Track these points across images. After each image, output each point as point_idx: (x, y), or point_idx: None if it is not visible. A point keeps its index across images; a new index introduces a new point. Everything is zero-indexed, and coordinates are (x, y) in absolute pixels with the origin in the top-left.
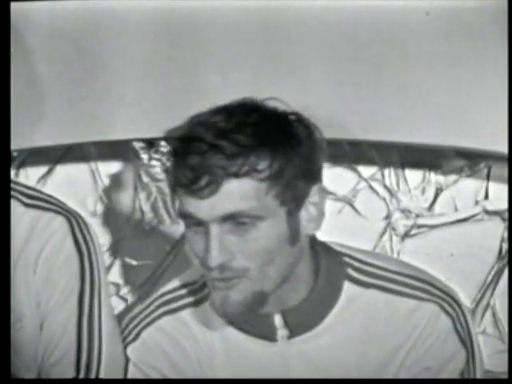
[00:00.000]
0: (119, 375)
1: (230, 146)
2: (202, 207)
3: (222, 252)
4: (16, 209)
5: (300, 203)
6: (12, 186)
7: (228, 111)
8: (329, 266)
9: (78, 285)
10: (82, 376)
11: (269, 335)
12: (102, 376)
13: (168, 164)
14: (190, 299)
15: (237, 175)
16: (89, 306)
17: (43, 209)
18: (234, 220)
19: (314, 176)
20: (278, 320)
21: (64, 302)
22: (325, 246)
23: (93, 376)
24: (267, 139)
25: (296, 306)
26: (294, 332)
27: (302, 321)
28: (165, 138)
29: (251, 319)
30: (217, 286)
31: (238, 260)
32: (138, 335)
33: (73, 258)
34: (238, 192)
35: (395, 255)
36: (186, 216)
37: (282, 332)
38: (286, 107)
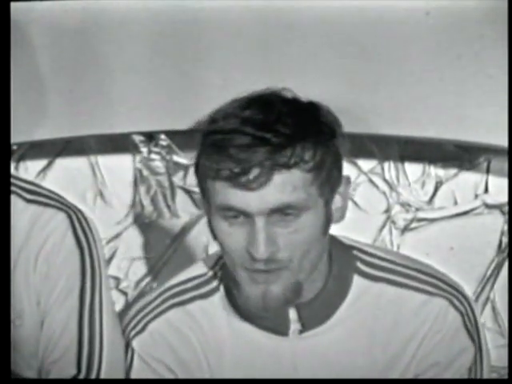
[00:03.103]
0: (120, 371)
1: (275, 137)
2: (250, 200)
3: (269, 244)
4: (17, 204)
5: (334, 193)
6: (13, 181)
7: (263, 102)
8: (340, 259)
9: (78, 281)
10: (83, 373)
11: (281, 329)
12: (103, 373)
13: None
14: (198, 292)
15: (287, 166)
16: (90, 302)
17: (44, 204)
18: (282, 212)
19: (342, 166)
20: (292, 314)
21: (64, 299)
22: (335, 240)
23: (94, 373)
24: (308, 129)
25: (311, 300)
26: (306, 326)
27: (315, 315)
28: (173, 129)
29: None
30: (257, 279)
31: (283, 251)
32: (145, 327)
33: (73, 254)
34: (288, 183)
35: (395, 249)
36: (226, 208)
37: (294, 326)
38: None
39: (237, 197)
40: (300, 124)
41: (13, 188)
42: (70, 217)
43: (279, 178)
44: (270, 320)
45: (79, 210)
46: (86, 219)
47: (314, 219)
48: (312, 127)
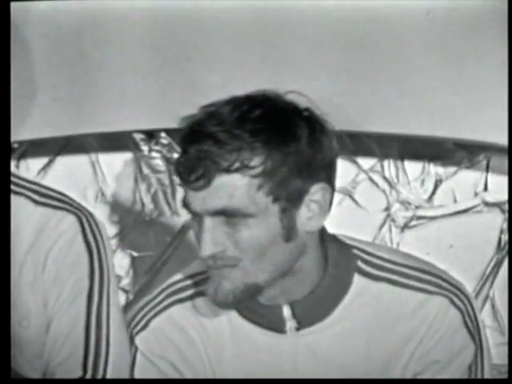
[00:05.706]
0: (126, 373)
1: (228, 140)
2: (195, 199)
3: (213, 244)
4: (26, 207)
5: (297, 201)
6: (22, 183)
7: (234, 104)
8: (338, 258)
9: (86, 285)
10: (88, 375)
11: (278, 326)
12: (108, 375)
13: (174, 154)
14: (199, 289)
15: (228, 171)
16: (97, 305)
17: (54, 207)
18: (225, 215)
19: (316, 174)
20: (286, 311)
21: (72, 302)
22: (334, 239)
23: (99, 375)
24: (265, 136)
25: (304, 298)
26: (302, 323)
27: (310, 312)
28: (174, 127)
29: (260, 310)
30: (212, 274)
31: (230, 250)
32: (147, 324)
33: (82, 257)
34: (227, 188)
35: (394, 247)
36: (185, 206)
37: (290, 323)
38: (306, 100)
39: (188, 195)
40: (258, 130)
41: (22, 190)
42: (80, 219)
43: (219, 181)
44: (266, 317)
45: (89, 213)
46: (96, 222)
47: (265, 225)
48: (271, 135)
